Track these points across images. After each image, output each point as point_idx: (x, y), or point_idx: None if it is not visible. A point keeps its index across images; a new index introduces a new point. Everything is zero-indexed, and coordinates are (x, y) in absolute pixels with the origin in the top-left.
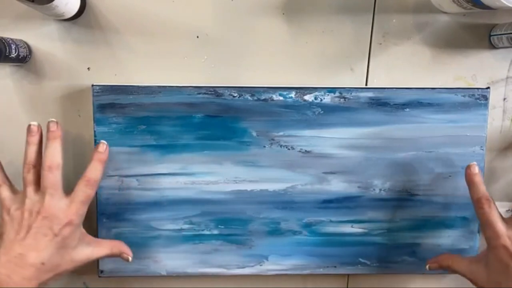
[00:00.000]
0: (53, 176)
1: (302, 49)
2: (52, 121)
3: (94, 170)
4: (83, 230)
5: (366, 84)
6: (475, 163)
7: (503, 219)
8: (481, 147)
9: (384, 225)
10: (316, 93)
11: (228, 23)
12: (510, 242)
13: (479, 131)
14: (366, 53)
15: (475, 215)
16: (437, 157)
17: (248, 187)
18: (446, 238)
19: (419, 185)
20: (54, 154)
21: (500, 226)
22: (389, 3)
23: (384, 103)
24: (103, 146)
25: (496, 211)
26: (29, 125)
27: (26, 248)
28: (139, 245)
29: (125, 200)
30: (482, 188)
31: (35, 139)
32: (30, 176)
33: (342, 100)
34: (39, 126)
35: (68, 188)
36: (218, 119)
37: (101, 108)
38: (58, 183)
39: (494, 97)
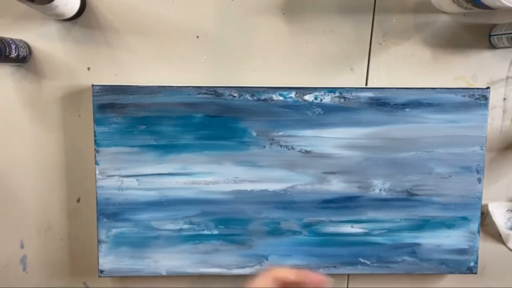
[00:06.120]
0: None
1: (302, 49)
2: None
3: None
4: None
5: (366, 84)
6: None
7: None
8: (481, 147)
9: (384, 225)
10: (316, 93)
11: (228, 23)
12: None
13: (479, 131)
14: (366, 53)
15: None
16: (437, 157)
17: (248, 187)
18: (446, 238)
19: (419, 185)
20: None
21: None
22: (389, 3)
23: (384, 103)
24: None
25: None
26: None
27: None
28: (139, 245)
29: (125, 200)
30: None
31: None
32: None
33: (342, 100)
34: None
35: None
36: (218, 119)
37: (101, 108)
38: None
39: (494, 97)
